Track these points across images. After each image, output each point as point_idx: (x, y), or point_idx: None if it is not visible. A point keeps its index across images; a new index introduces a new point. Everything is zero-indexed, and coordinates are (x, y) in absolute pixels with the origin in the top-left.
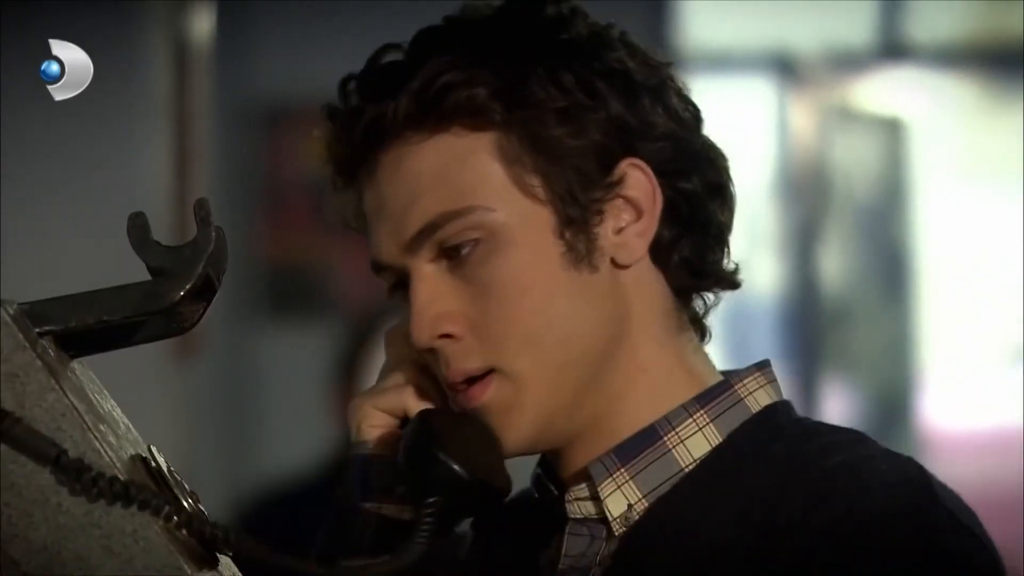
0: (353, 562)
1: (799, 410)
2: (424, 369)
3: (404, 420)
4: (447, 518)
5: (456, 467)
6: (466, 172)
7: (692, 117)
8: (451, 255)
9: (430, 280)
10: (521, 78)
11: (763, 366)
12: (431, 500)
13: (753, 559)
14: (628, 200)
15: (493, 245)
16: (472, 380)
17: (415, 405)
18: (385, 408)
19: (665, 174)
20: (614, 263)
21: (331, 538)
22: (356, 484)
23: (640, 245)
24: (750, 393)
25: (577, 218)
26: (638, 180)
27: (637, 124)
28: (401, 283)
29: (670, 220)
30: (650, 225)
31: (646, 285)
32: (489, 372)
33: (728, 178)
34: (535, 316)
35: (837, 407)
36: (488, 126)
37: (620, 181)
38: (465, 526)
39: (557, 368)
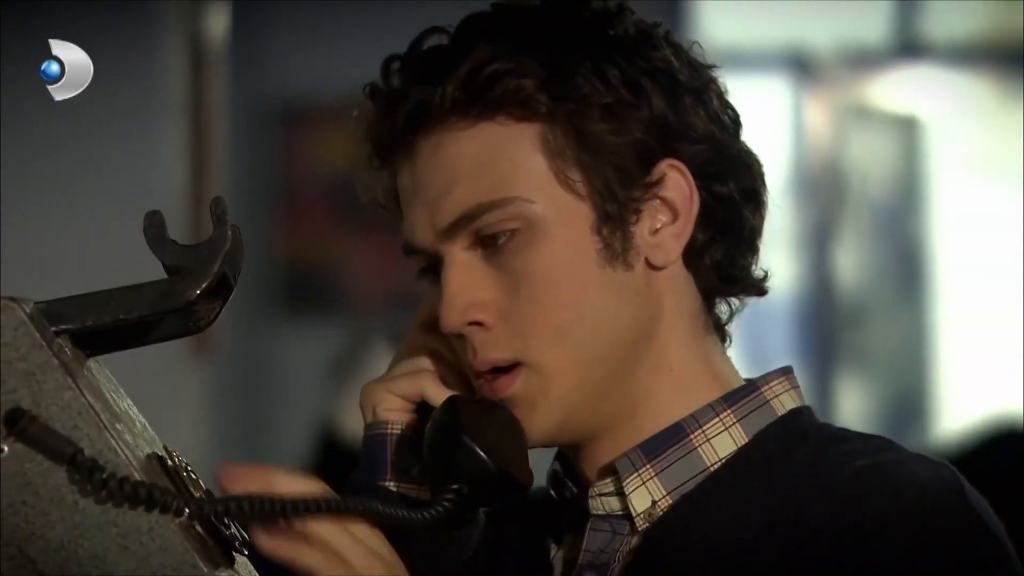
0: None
1: (816, 409)
2: (440, 356)
3: (419, 406)
4: (465, 506)
5: (482, 455)
6: (507, 163)
7: (731, 121)
8: (487, 244)
9: (464, 267)
10: (569, 71)
11: (787, 372)
12: (454, 487)
13: (781, 561)
14: (665, 201)
15: (530, 236)
16: (498, 370)
17: (432, 391)
18: (400, 393)
19: (702, 176)
20: (648, 263)
21: None
22: (372, 464)
23: (675, 247)
24: (776, 396)
25: (615, 215)
26: (676, 182)
27: (678, 124)
28: (431, 267)
29: (704, 223)
30: (686, 227)
31: (677, 286)
32: (516, 364)
33: (763, 184)
34: (566, 310)
35: (853, 406)
36: (533, 117)
37: (659, 181)
38: (476, 523)
39: (585, 363)
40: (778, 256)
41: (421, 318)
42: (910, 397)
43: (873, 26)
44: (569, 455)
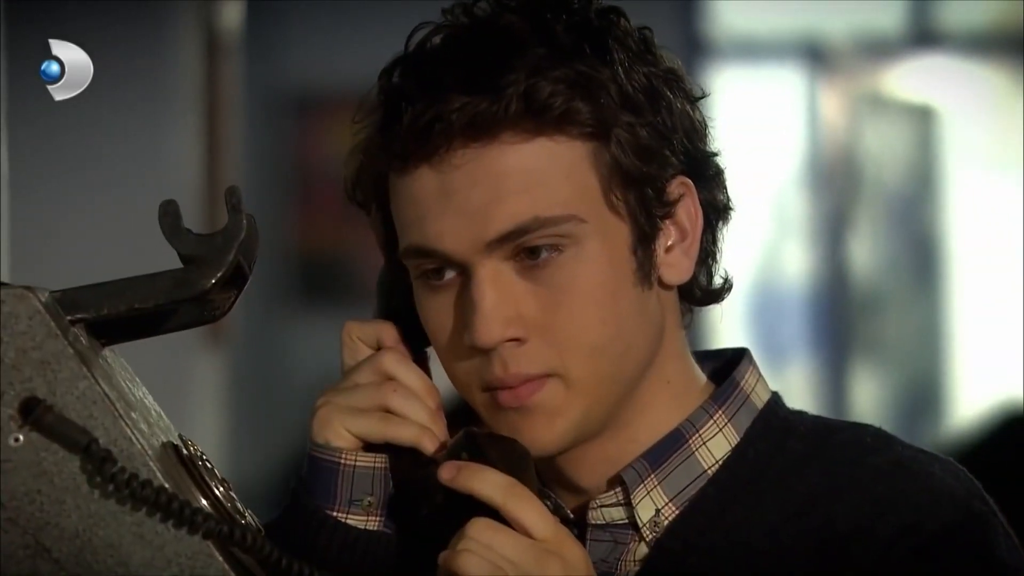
0: None
1: (831, 398)
2: (404, 387)
3: (381, 446)
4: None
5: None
6: (565, 180)
7: (703, 124)
8: (526, 258)
9: (501, 280)
10: (623, 92)
11: (750, 357)
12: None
13: (813, 563)
14: (677, 218)
15: (576, 254)
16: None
17: (395, 436)
18: (359, 433)
19: (699, 190)
20: (660, 281)
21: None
22: (323, 491)
23: (688, 265)
24: (752, 389)
25: (648, 235)
26: (688, 199)
27: (682, 137)
28: (436, 271)
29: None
30: (694, 244)
31: (671, 302)
32: (545, 375)
33: (727, 190)
34: (606, 327)
35: (867, 395)
36: (587, 137)
37: (676, 200)
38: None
39: (611, 380)
40: (792, 245)
41: (387, 338)
42: (924, 386)
43: (888, 16)
44: (549, 465)
